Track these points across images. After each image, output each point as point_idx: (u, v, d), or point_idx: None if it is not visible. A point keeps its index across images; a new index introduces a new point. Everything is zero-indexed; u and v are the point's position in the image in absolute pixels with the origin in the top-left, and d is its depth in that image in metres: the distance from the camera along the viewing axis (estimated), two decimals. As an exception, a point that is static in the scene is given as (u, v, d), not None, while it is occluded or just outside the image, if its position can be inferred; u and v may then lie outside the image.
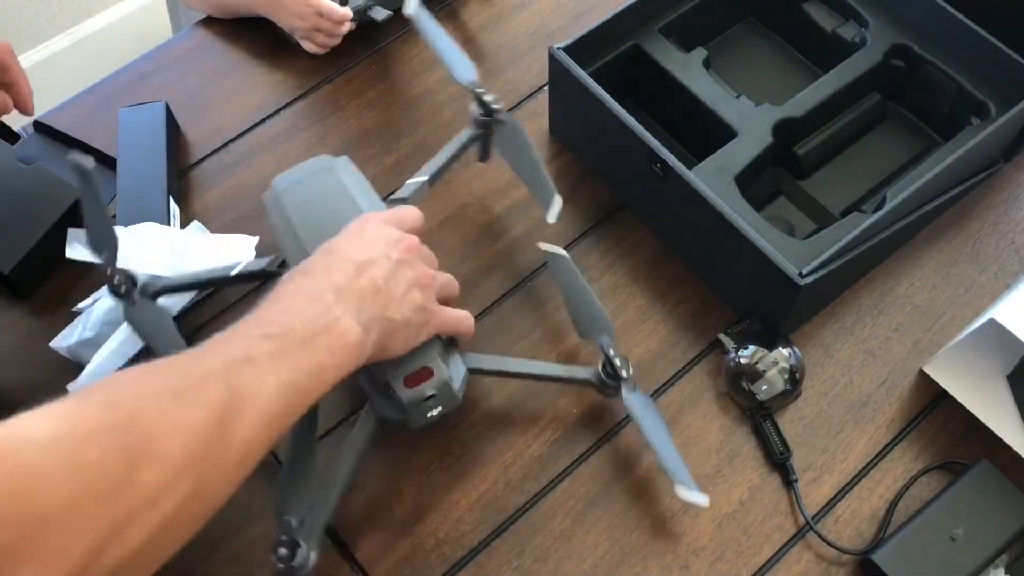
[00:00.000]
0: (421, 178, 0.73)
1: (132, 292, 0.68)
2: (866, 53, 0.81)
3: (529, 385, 0.76)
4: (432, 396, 0.64)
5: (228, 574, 0.69)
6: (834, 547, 0.68)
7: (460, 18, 0.97)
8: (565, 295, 0.71)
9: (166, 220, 0.81)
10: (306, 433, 0.64)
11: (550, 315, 0.79)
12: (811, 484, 0.71)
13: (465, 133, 0.75)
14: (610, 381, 0.69)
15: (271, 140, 0.90)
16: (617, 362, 0.68)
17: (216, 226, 0.85)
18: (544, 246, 0.71)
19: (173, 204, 0.83)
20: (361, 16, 0.92)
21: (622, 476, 0.72)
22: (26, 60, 1.78)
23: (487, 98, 0.72)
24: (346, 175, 0.70)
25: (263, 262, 0.72)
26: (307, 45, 0.93)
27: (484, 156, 0.80)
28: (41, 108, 0.93)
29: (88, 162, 0.68)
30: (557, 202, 0.70)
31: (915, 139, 0.84)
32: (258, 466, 0.52)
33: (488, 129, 0.75)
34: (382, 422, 0.67)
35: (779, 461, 0.71)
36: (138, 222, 0.81)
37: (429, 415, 0.66)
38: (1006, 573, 0.67)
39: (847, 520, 0.70)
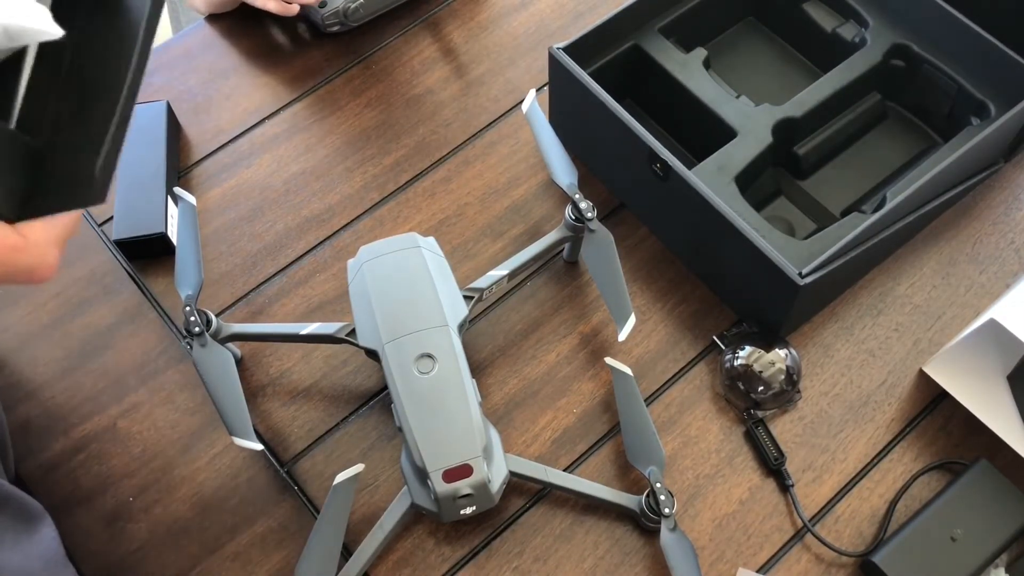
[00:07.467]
0: (501, 272, 0.75)
1: (204, 334, 0.69)
2: (866, 53, 0.81)
3: (529, 385, 0.76)
4: (468, 495, 0.63)
5: (228, 574, 0.70)
6: (833, 549, 0.68)
7: (460, 17, 0.97)
8: (621, 415, 0.70)
9: (165, 220, 0.81)
10: (336, 516, 0.64)
11: (549, 315, 0.79)
12: (811, 484, 0.71)
13: (554, 234, 0.76)
14: (652, 515, 0.67)
15: (271, 140, 0.90)
16: (662, 497, 0.66)
17: (216, 226, 0.85)
18: (611, 362, 0.71)
19: (172, 204, 0.83)
20: (342, 19, 0.92)
21: (623, 475, 0.72)
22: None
23: (582, 205, 0.73)
24: (430, 256, 0.70)
25: (333, 327, 0.72)
26: (268, 5, 0.92)
27: (572, 258, 0.81)
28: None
29: (190, 198, 0.72)
30: (631, 322, 0.70)
31: (915, 139, 0.84)
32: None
33: (578, 234, 0.76)
34: (415, 508, 0.67)
35: (774, 467, 0.71)
36: (137, 222, 0.81)
37: (462, 512, 0.65)
38: (1006, 573, 0.67)
39: (847, 520, 0.70)
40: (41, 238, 0.48)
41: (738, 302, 0.78)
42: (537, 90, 0.91)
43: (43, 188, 0.44)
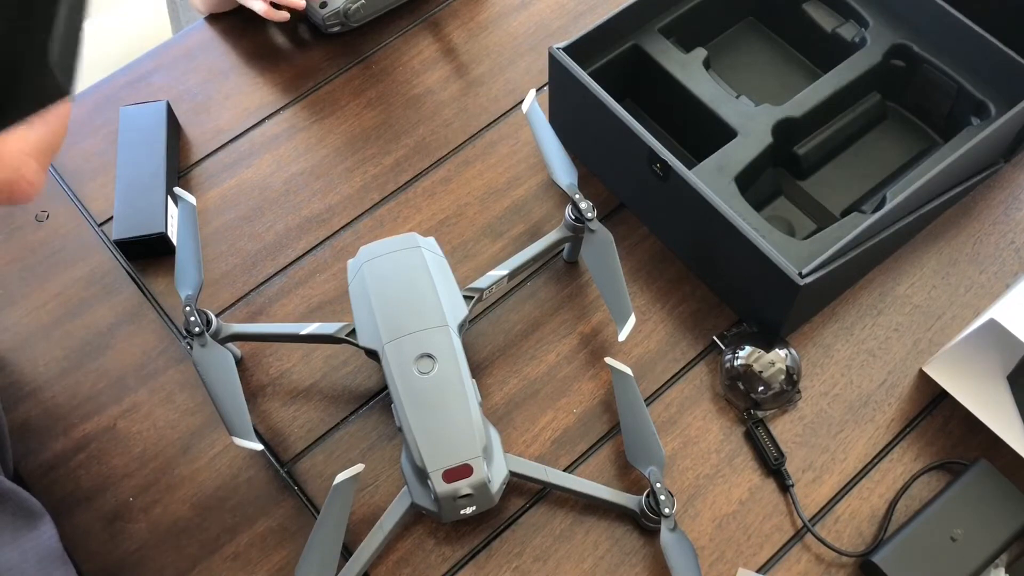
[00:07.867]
0: (501, 272, 0.74)
1: (204, 334, 0.69)
2: (866, 53, 0.81)
3: (529, 386, 0.76)
4: (468, 495, 0.63)
5: (228, 574, 0.70)
6: (833, 549, 0.68)
7: (460, 17, 0.97)
8: (621, 415, 0.70)
9: (165, 220, 0.81)
10: (336, 516, 0.64)
11: (549, 315, 0.79)
12: (811, 484, 0.71)
13: (554, 234, 0.76)
14: (652, 515, 0.67)
15: (271, 140, 0.90)
16: (662, 497, 0.66)
17: (216, 226, 0.85)
18: (611, 362, 0.71)
19: (172, 204, 0.83)
20: (343, 20, 0.92)
21: (623, 475, 0.72)
22: (26, 60, 1.78)
23: (582, 205, 0.73)
24: (430, 256, 0.70)
25: (333, 327, 0.72)
26: (255, 5, 0.92)
27: (572, 258, 0.81)
28: (41, 108, 0.93)
29: (191, 198, 0.71)
30: (631, 322, 0.70)
31: (915, 139, 0.84)
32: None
33: (578, 234, 0.76)
34: (415, 508, 0.67)
35: (774, 467, 0.71)
36: (137, 222, 0.81)
37: (462, 512, 0.65)
38: (1006, 573, 0.67)
39: (847, 520, 0.70)
40: (12, 149, 0.44)
41: (738, 302, 0.78)
42: (537, 90, 0.91)
43: (2, 95, 0.39)
